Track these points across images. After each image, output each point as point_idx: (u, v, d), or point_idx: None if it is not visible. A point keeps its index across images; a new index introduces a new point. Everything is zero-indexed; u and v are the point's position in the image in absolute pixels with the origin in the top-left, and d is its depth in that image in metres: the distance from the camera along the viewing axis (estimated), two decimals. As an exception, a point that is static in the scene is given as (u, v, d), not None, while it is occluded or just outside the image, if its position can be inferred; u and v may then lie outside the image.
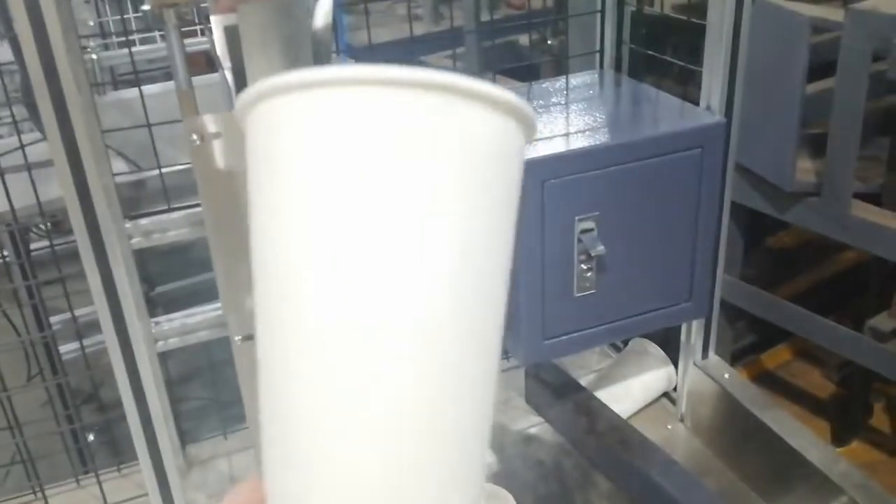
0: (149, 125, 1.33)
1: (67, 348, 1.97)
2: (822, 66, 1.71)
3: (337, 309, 0.25)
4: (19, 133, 1.35)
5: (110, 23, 2.56)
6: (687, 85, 1.48)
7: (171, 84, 2.23)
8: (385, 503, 0.26)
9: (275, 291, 0.27)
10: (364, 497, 0.26)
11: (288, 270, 0.26)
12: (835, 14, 1.67)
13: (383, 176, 0.25)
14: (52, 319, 1.85)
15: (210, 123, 1.18)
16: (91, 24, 2.56)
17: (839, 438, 1.94)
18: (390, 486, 0.26)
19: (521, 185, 0.29)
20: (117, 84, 2.67)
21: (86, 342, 1.74)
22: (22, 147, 1.28)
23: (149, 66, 2.64)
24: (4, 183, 1.28)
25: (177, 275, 2.64)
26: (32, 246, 2.05)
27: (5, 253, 1.83)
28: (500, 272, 0.28)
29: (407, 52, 1.88)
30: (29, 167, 1.27)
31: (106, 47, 2.62)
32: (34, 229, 2.19)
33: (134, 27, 2.37)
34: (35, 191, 1.29)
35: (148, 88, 1.73)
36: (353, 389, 0.26)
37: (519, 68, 1.97)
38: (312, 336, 0.26)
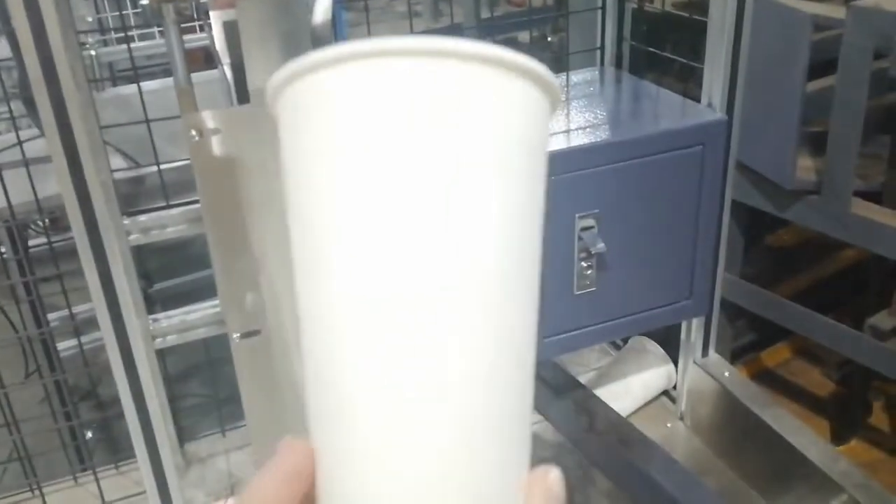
0: (147, 121, 1.32)
1: (65, 345, 1.97)
2: (822, 64, 1.71)
3: (380, 275, 0.25)
4: (17, 129, 1.35)
5: (109, 19, 2.56)
6: (687, 82, 1.48)
7: (169, 80, 2.22)
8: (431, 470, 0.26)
9: (320, 256, 0.27)
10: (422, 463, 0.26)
11: (331, 238, 0.26)
12: (836, 11, 1.67)
13: (418, 143, 0.25)
14: (50, 316, 1.84)
15: (209, 119, 1.17)
16: (90, 20, 2.56)
17: (838, 437, 1.94)
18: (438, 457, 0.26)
19: (546, 157, 0.29)
20: (116, 80, 2.66)
21: (83, 339, 1.73)
22: (20, 143, 1.28)
23: (147, 62, 2.63)
24: (2, 179, 1.27)
25: (174, 272, 2.64)
26: (30, 243, 2.05)
27: (2, 249, 1.82)
28: (534, 241, 0.28)
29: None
30: (27, 163, 1.26)
31: (105, 43, 2.61)
32: (32, 226, 2.19)
33: (133, 23, 2.37)
34: (33, 187, 1.28)
35: (146, 85, 1.72)
36: (388, 356, 0.25)
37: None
38: (356, 302, 0.26)
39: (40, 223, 2.18)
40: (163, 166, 1.37)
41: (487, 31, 2.35)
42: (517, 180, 0.27)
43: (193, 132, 1.18)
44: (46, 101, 1.00)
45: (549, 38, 2.39)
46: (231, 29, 1.22)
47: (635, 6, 1.53)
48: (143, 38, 2.61)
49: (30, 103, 1.42)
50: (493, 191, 0.26)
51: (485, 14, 2.46)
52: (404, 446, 0.26)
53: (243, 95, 1.20)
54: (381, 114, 0.25)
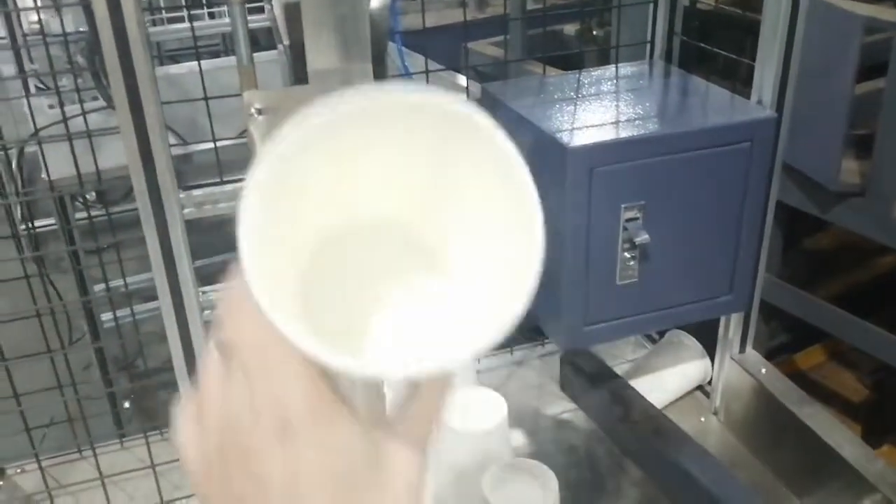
0: (206, 98, 1.36)
1: (107, 316, 2.02)
2: (872, 67, 1.70)
3: None
4: (82, 102, 1.39)
5: (160, -1, 2.61)
6: (736, 79, 1.48)
7: (216, 61, 2.27)
8: None
9: None
10: None
11: None
12: (888, 14, 1.67)
13: None
14: (98, 287, 1.89)
15: (268, 98, 1.20)
16: (142, -1, 2.60)
17: (870, 442, 1.93)
18: None
19: None
20: (163, 59, 2.72)
21: (123, 312, 1.79)
22: (84, 114, 1.32)
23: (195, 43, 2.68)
24: (73, 150, 1.31)
25: (206, 253, 2.70)
26: (77, 215, 2.10)
27: (52, 221, 1.88)
28: None
29: (454, 37, 1.89)
30: (90, 135, 1.30)
31: (153, 23, 2.66)
32: (78, 200, 2.24)
33: (183, 3, 2.41)
34: (95, 160, 1.32)
35: (193, 64, 1.77)
36: None
37: (562, 57, 1.98)
38: None
39: (87, 196, 2.23)
40: (213, 144, 1.40)
41: (532, 22, 2.36)
42: None
43: (253, 109, 1.21)
44: (118, 74, 1.03)
45: (594, 32, 2.40)
46: (292, 10, 1.25)
47: (687, 3, 1.53)
48: (191, 18, 2.65)
49: (96, 75, 1.47)
50: None
51: (531, 5, 2.46)
52: None
53: (302, 76, 1.23)
54: None
